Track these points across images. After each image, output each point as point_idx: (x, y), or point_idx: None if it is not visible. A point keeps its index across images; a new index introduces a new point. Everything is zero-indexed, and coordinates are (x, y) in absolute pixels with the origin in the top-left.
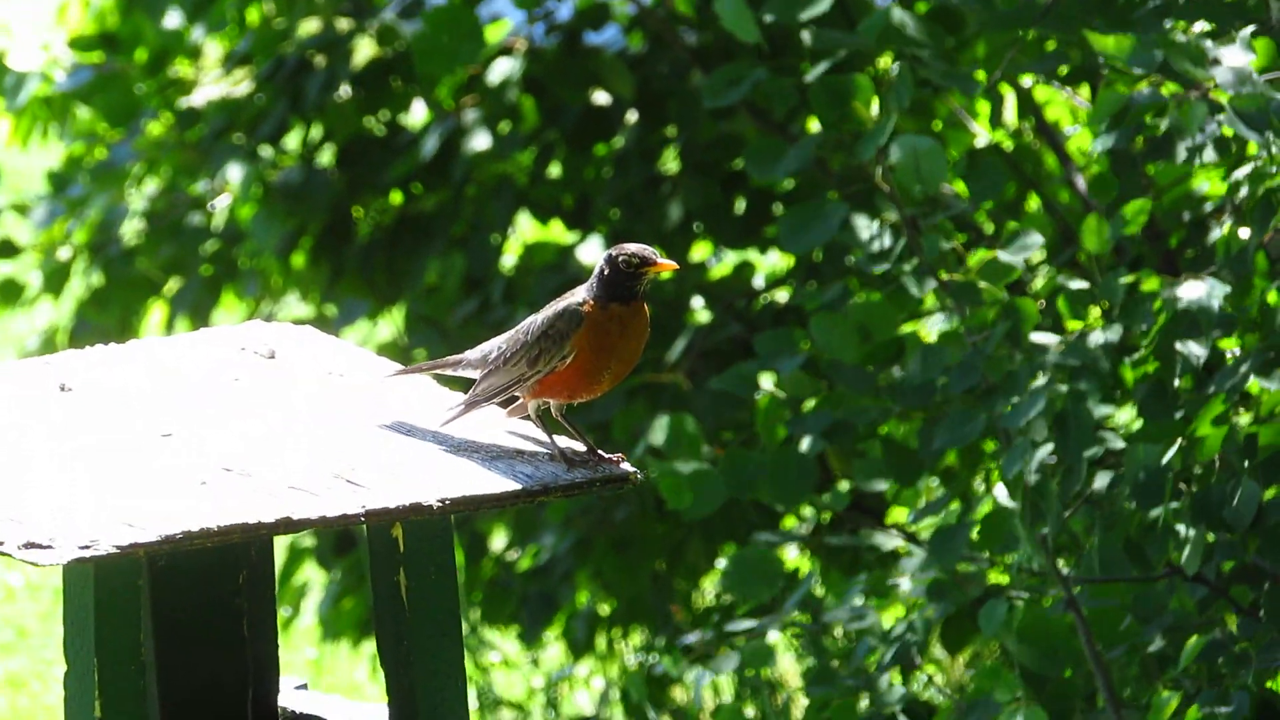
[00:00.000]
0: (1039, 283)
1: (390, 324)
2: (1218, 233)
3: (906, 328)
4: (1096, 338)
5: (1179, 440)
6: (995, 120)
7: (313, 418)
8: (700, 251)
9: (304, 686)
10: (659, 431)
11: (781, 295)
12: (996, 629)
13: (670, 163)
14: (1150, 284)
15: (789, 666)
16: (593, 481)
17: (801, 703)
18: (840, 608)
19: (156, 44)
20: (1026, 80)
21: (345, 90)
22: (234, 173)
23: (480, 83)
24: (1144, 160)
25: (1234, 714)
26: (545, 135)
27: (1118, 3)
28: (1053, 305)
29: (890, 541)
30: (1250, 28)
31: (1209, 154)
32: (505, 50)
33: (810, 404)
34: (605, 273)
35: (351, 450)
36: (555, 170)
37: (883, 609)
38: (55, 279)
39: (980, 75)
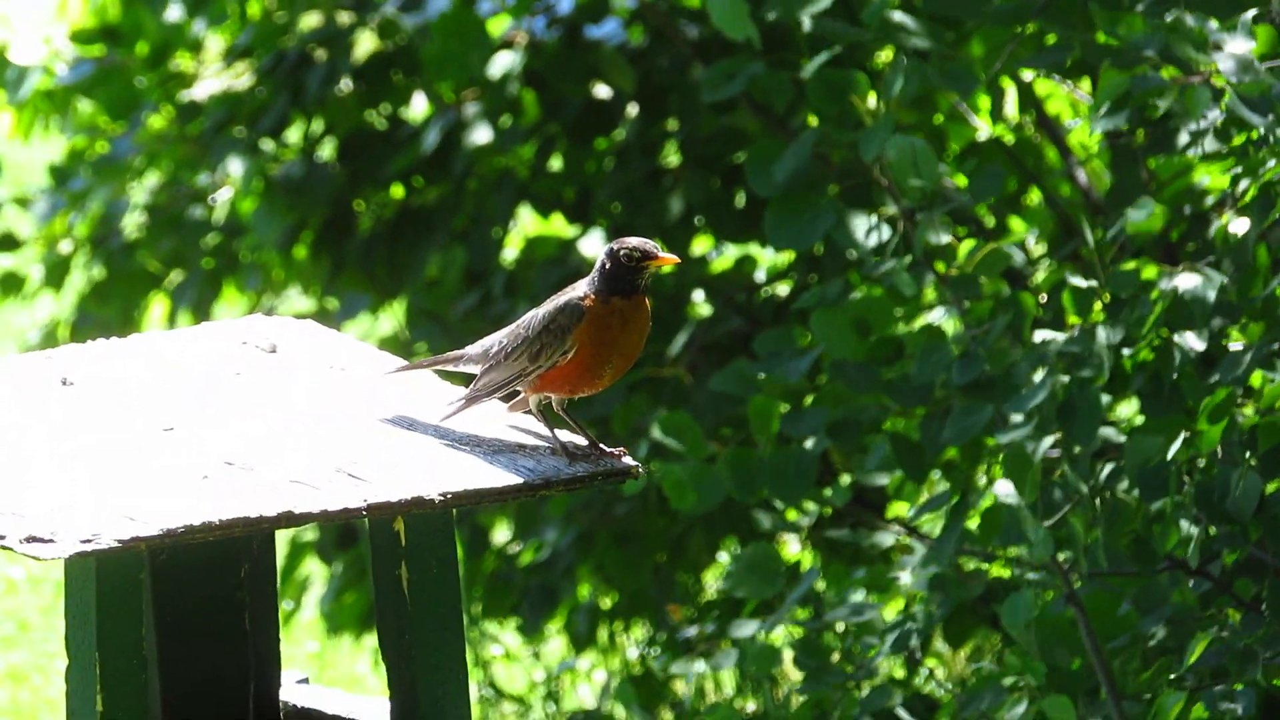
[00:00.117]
0: (1040, 276)
1: (391, 318)
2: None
3: (908, 323)
4: (1100, 334)
5: (1181, 433)
6: (996, 114)
7: (314, 412)
8: (701, 245)
9: (305, 680)
10: (659, 429)
11: (783, 289)
12: (1018, 619)
13: (671, 156)
14: (1149, 273)
15: (790, 659)
16: (594, 475)
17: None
18: (841, 607)
19: (157, 37)
20: (1027, 74)
21: (346, 84)
22: (235, 166)
23: (481, 77)
24: (1145, 155)
25: (1241, 712)
26: (546, 129)
27: None
28: (1054, 299)
29: (891, 537)
30: (1251, 12)
31: (1210, 143)
32: (506, 44)
33: (809, 400)
34: (606, 267)
35: (353, 444)
36: (556, 164)
37: (883, 603)
38: (56, 272)
39: (979, 71)
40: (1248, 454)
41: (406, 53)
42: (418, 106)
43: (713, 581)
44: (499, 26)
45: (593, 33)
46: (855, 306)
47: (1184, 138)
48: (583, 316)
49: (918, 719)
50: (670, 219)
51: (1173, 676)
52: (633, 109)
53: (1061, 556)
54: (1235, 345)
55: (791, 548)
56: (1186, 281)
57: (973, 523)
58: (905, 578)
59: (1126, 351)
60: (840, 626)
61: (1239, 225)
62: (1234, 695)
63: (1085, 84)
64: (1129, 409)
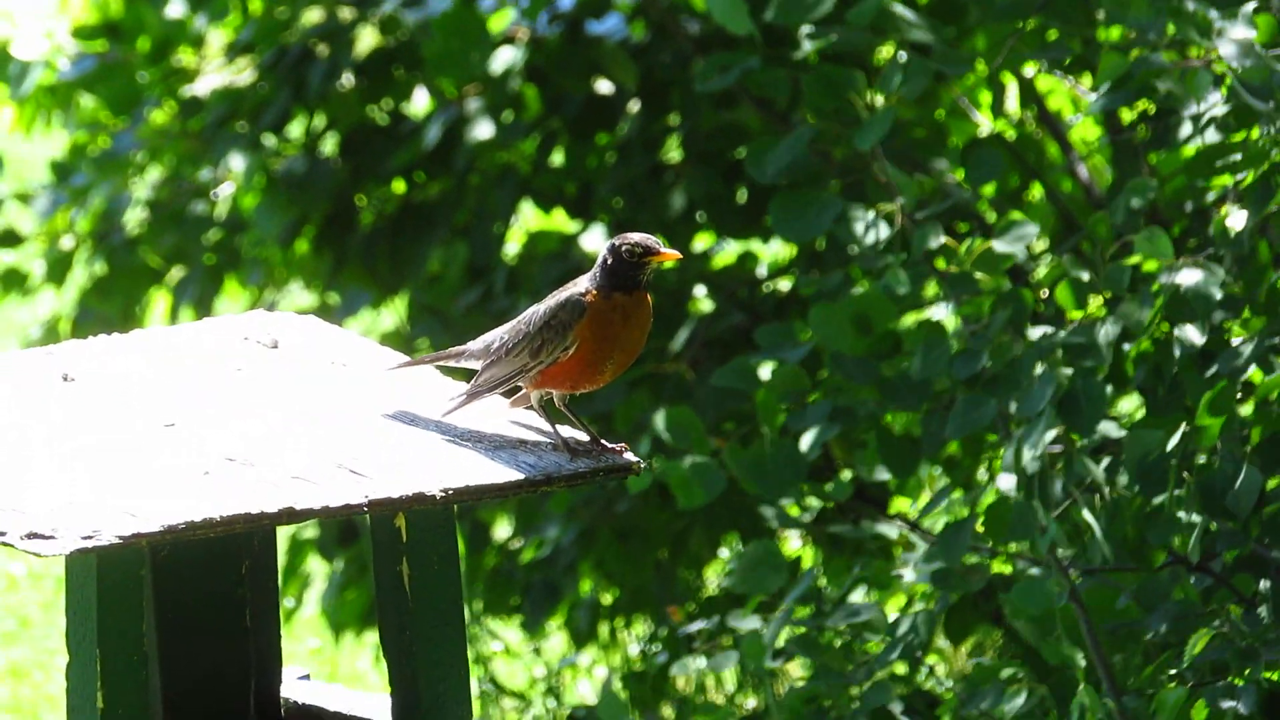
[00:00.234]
0: (1041, 272)
1: (393, 313)
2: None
3: (909, 318)
4: (1100, 329)
5: (1181, 427)
6: (997, 110)
7: (315, 408)
8: (703, 241)
9: (306, 676)
10: (661, 425)
11: (784, 284)
12: (1042, 604)
13: (673, 152)
14: (1150, 265)
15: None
16: (596, 471)
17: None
18: (841, 610)
19: (159, 33)
20: (1028, 70)
21: (348, 79)
22: (237, 162)
23: (483, 73)
24: (1146, 150)
25: (1243, 709)
26: (548, 124)
27: None
28: (1055, 295)
29: (893, 532)
30: (1251, 4)
31: (1211, 135)
32: (508, 40)
33: (815, 396)
34: (608, 262)
35: (354, 440)
36: (558, 159)
37: (884, 599)
38: (58, 268)
39: (981, 66)
40: (1247, 448)
41: (408, 48)
42: (419, 102)
43: (714, 577)
44: (500, 23)
45: (594, 28)
46: (855, 302)
47: (1186, 128)
48: (584, 312)
49: (919, 716)
50: (672, 214)
51: (1172, 672)
52: (634, 104)
53: (1061, 552)
54: (1235, 340)
55: (793, 543)
56: (1187, 276)
57: (978, 521)
58: (908, 574)
59: (1127, 346)
60: (841, 625)
61: (1237, 218)
62: (1235, 692)
63: (1086, 79)
64: (1130, 404)
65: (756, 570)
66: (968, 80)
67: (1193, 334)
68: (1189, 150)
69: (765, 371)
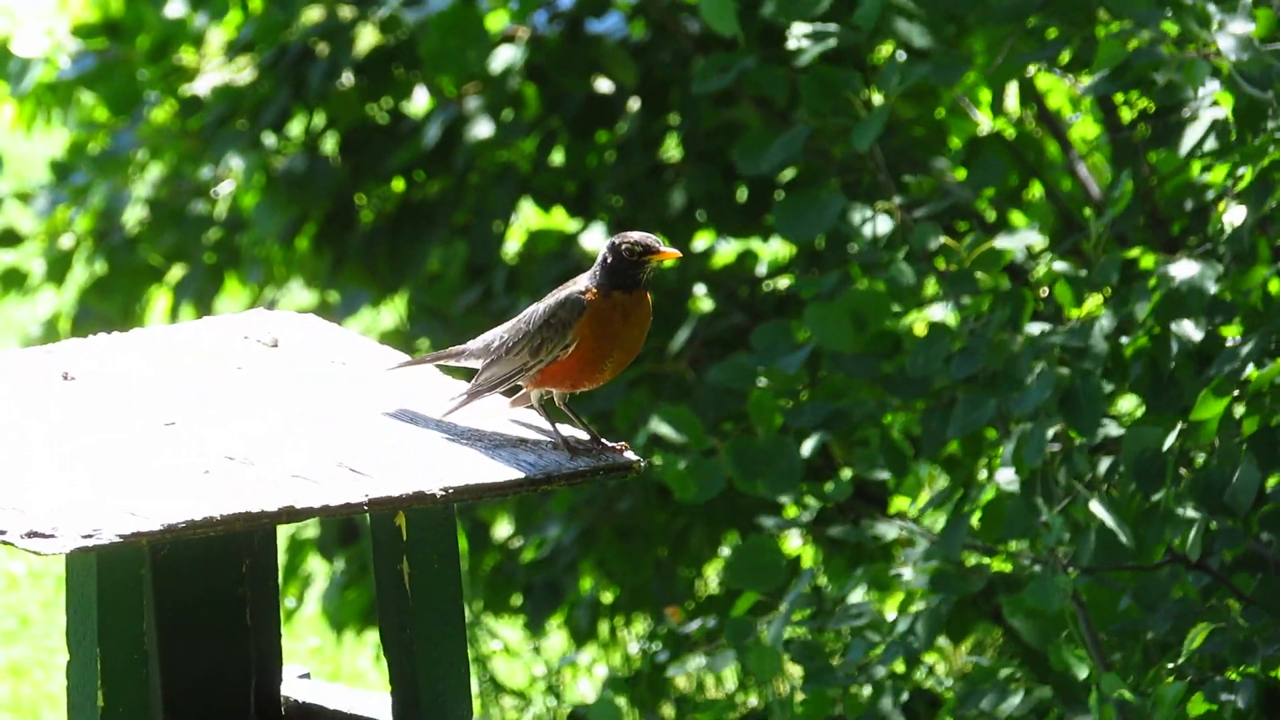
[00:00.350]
0: (1040, 270)
1: (393, 312)
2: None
3: (907, 318)
4: (1099, 326)
5: (1179, 424)
6: (997, 108)
7: (315, 407)
8: (703, 239)
9: (307, 675)
10: (658, 423)
11: (784, 283)
12: (1054, 604)
13: (673, 150)
14: (1146, 262)
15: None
16: (596, 470)
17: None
18: (841, 613)
19: (159, 32)
20: (1028, 69)
21: (348, 78)
22: (237, 161)
23: (482, 72)
24: (1146, 149)
25: (1241, 704)
26: (548, 123)
27: None
28: (1054, 294)
29: (893, 531)
30: None
31: (1210, 143)
32: (508, 39)
33: (805, 395)
34: (608, 260)
35: (354, 439)
36: (558, 158)
37: (884, 600)
38: (58, 267)
39: (980, 66)
40: (1244, 446)
41: (408, 47)
42: (419, 101)
43: (714, 575)
44: (499, 21)
45: (594, 27)
46: (851, 300)
47: (1190, 139)
48: (583, 311)
49: (919, 715)
50: (672, 213)
51: (1170, 666)
52: (634, 103)
53: (1061, 551)
54: (1231, 340)
55: (793, 542)
56: (1183, 270)
57: (975, 517)
58: (907, 573)
59: (1125, 339)
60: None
61: (1236, 214)
62: (1233, 687)
63: (1086, 78)
64: (1130, 403)
65: (753, 566)
66: (967, 79)
67: (1190, 329)
68: (1196, 165)
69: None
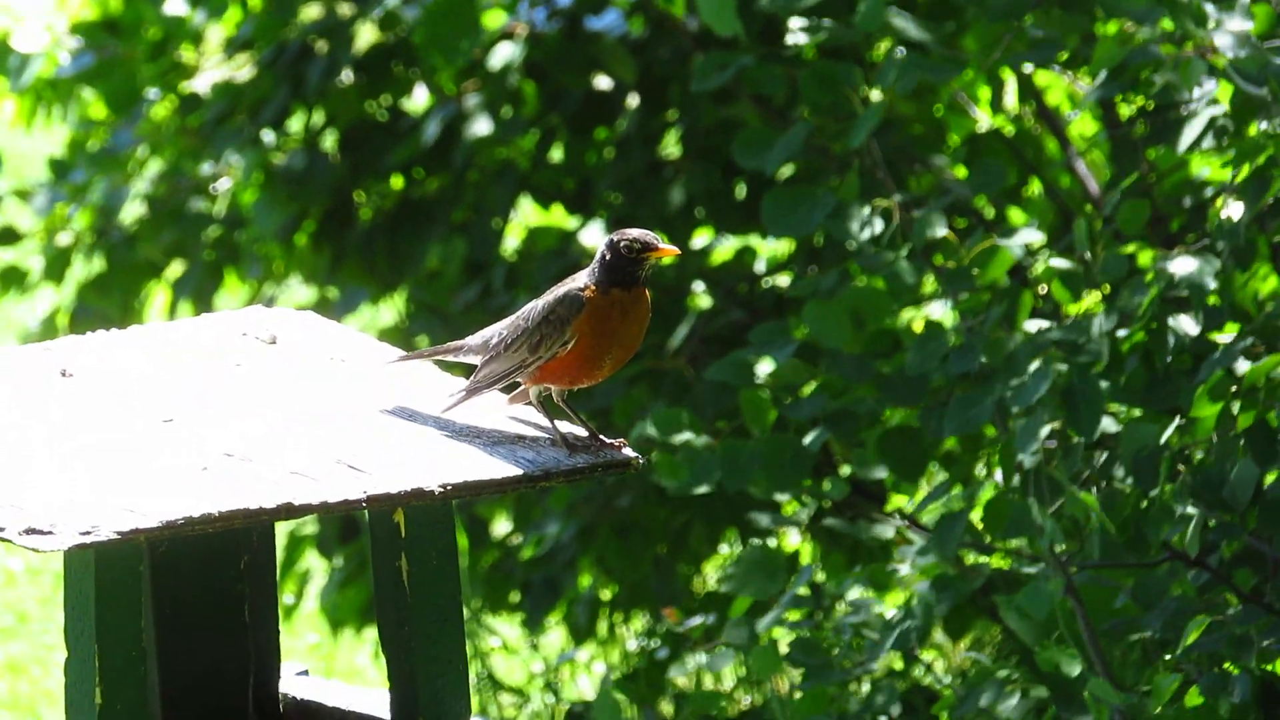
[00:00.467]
0: (1039, 267)
1: (392, 309)
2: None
3: (906, 314)
4: (1097, 323)
5: (1176, 420)
6: (996, 105)
7: (314, 404)
8: (702, 236)
9: (305, 672)
10: (653, 425)
11: (783, 280)
12: (1042, 609)
13: (672, 147)
14: (1144, 258)
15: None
16: (594, 466)
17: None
18: (842, 612)
19: (159, 29)
20: (1027, 65)
21: (347, 75)
22: (236, 157)
23: (481, 68)
24: (1145, 145)
25: (1237, 698)
26: (547, 120)
27: None
28: (1053, 290)
29: (890, 529)
30: None
31: (1209, 141)
32: (506, 35)
33: (808, 389)
34: (607, 258)
35: (352, 436)
36: (557, 155)
37: (883, 596)
38: (57, 265)
39: (977, 63)
40: (1241, 441)
41: (407, 44)
42: (418, 98)
43: (713, 572)
44: (499, 19)
45: (593, 24)
46: (849, 298)
47: (1188, 136)
48: (582, 307)
49: (916, 712)
50: (671, 210)
51: (1167, 657)
52: (633, 100)
53: (1059, 548)
54: (1226, 336)
55: (791, 538)
56: (1181, 266)
57: (974, 514)
58: (905, 569)
59: (1122, 333)
60: (839, 617)
61: (1234, 209)
62: (1229, 681)
63: (1084, 75)
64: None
65: (754, 573)
66: (966, 75)
67: (1187, 324)
68: (1195, 161)
69: (762, 367)
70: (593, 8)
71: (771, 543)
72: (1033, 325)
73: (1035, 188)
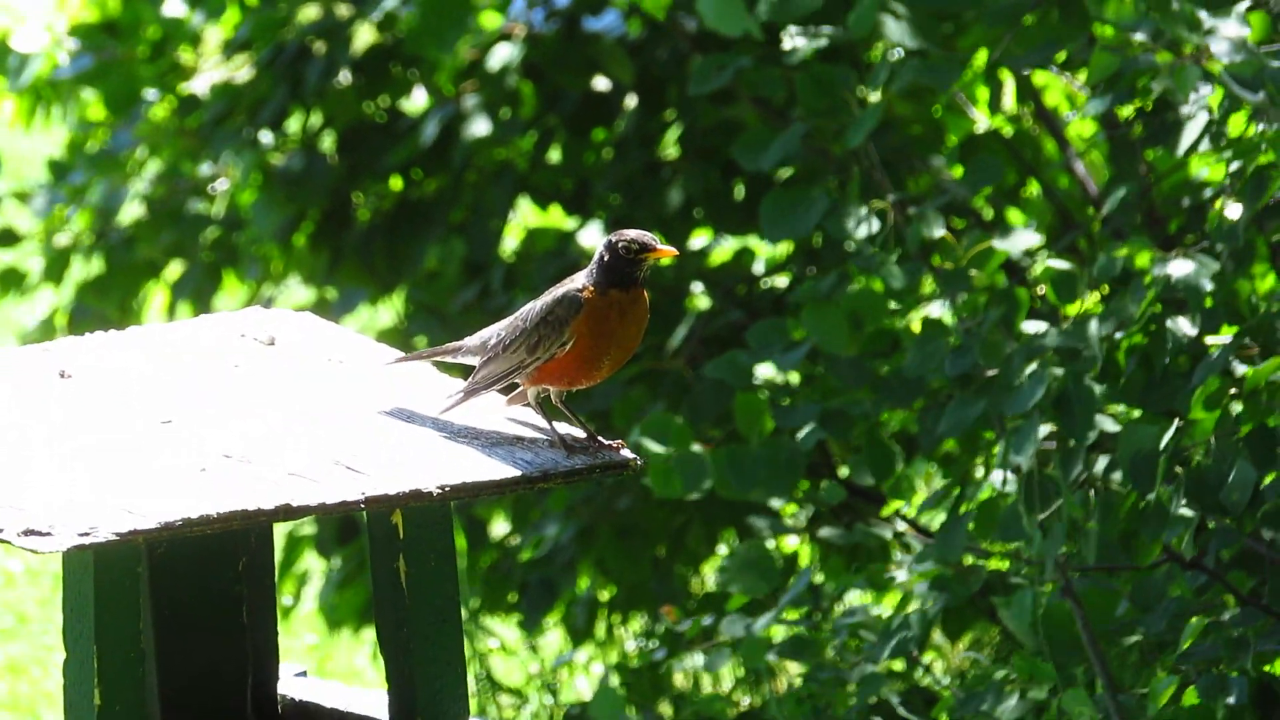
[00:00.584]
0: (1038, 269)
1: (390, 310)
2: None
3: (902, 317)
4: (1093, 326)
5: (1174, 422)
6: (994, 106)
7: (312, 405)
8: (700, 237)
9: (304, 673)
10: (644, 432)
11: (781, 281)
12: (1024, 620)
13: (670, 148)
14: (1142, 259)
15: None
16: (592, 468)
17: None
18: (841, 614)
19: (157, 31)
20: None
21: (345, 76)
22: (234, 158)
23: (480, 69)
24: (1143, 146)
25: (1233, 700)
26: (545, 121)
27: None
28: (1048, 294)
29: (887, 533)
30: (1245, 3)
31: (1205, 145)
32: (505, 36)
33: (805, 394)
34: (605, 258)
35: (351, 437)
36: (555, 156)
37: (880, 600)
38: (56, 266)
39: (980, 57)
40: (1239, 444)
41: (405, 45)
42: (417, 99)
43: (711, 573)
44: (497, 20)
45: (591, 25)
46: (847, 300)
47: (1186, 138)
48: (580, 308)
49: (916, 714)
50: (669, 211)
51: (1165, 659)
52: (631, 101)
53: (1060, 550)
54: (1224, 338)
55: (790, 540)
56: (1179, 268)
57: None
58: (902, 575)
59: (1119, 335)
60: (836, 618)
61: (1233, 210)
62: (1226, 682)
63: (1083, 75)
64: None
65: (748, 570)
66: (965, 76)
67: (1184, 326)
68: (1193, 162)
69: (765, 364)
70: (591, 9)
71: (770, 543)
72: (1030, 326)
73: (1034, 188)
